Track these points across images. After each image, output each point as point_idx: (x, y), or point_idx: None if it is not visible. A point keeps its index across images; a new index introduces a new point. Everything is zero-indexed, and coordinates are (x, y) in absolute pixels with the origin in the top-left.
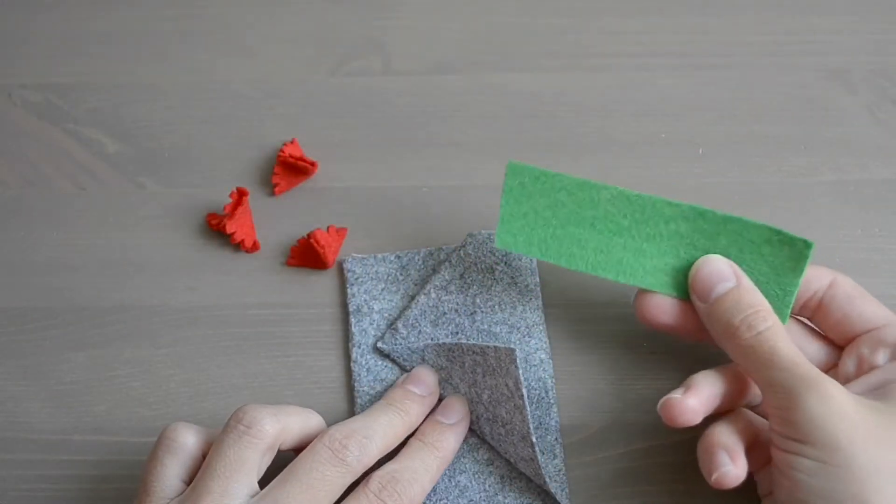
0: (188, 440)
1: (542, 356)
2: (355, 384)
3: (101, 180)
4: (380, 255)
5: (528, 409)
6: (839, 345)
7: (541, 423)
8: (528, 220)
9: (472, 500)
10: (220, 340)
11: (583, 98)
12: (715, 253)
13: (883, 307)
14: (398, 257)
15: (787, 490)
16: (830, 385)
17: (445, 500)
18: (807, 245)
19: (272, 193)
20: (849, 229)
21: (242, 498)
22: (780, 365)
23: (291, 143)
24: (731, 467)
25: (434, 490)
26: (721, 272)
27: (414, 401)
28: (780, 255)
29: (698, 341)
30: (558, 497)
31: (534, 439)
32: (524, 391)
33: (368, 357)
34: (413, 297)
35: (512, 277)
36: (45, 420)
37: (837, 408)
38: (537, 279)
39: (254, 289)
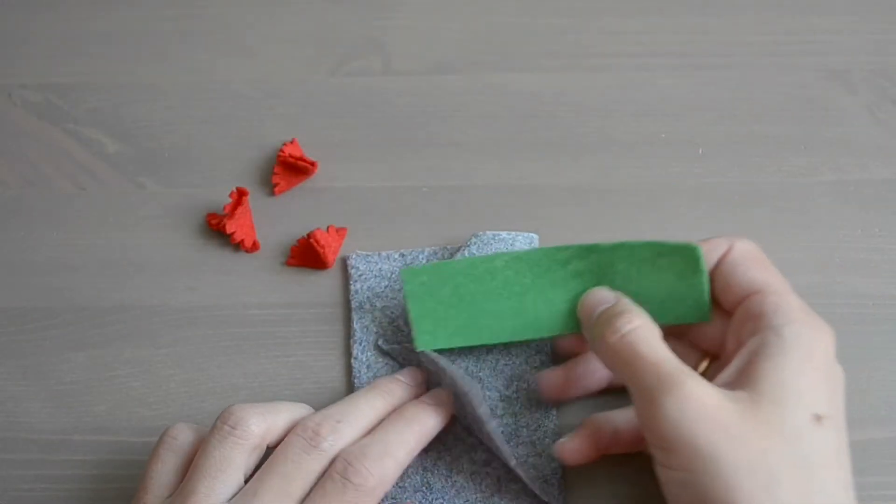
0: (189, 439)
1: (542, 358)
2: (355, 381)
3: (101, 180)
4: (384, 253)
5: (500, 437)
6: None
7: (539, 426)
8: (439, 313)
9: (468, 501)
10: (220, 340)
11: (583, 98)
12: (616, 278)
13: (773, 273)
14: (402, 255)
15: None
16: (691, 384)
17: (441, 500)
18: (691, 248)
19: (272, 193)
20: (849, 229)
21: (226, 496)
22: (641, 367)
23: (291, 142)
24: (569, 441)
25: (430, 488)
26: (603, 297)
27: (399, 386)
28: (677, 262)
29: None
30: (555, 501)
31: (513, 462)
32: (488, 427)
33: (369, 354)
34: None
35: None
36: (45, 420)
37: (695, 409)
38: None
39: (254, 289)
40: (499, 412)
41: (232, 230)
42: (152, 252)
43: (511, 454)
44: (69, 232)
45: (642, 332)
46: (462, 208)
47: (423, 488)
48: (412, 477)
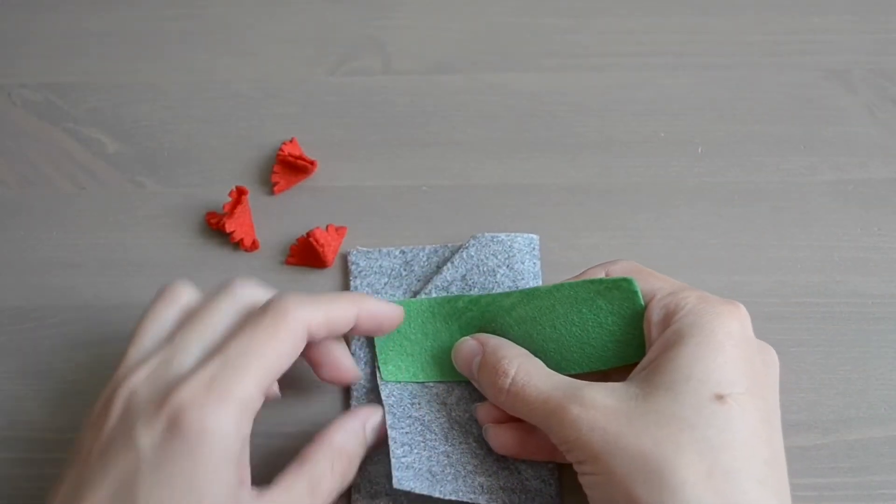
0: (189, 296)
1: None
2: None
3: (101, 180)
4: (384, 250)
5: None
6: None
7: None
8: (405, 348)
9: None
10: None
11: (582, 98)
12: (557, 322)
13: (659, 278)
14: (402, 252)
15: None
16: (577, 404)
17: (465, 476)
18: (628, 282)
19: (271, 192)
20: (848, 229)
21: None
22: (533, 410)
23: (291, 142)
24: (501, 431)
25: (451, 461)
26: (469, 349)
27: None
28: (615, 299)
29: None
30: (552, 500)
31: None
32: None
33: (367, 350)
34: (415, 294)
35: (514, 281)
36: (45, 419)
37: (586, 424)
38: (540, 282)
39: None
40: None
41: (231, 229)
42: (152, 251)
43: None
44: (69, 231)
45: (521, 376)
46: (462, 208)
47: (448, 457)
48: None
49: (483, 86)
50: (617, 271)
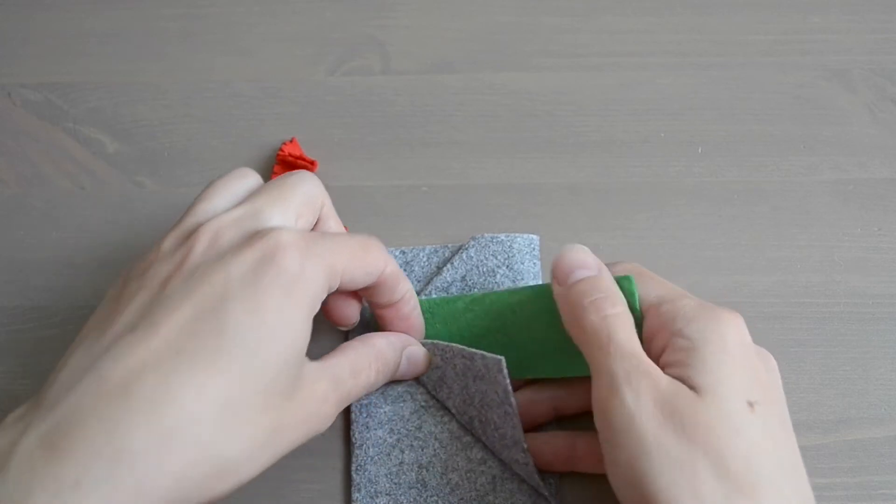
0: (256, 178)
1: None
2: None
3: (101, 179)
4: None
5: (518, 416)
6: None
7: (541, 428)
8: None
9: (462, 499)
10: None
11: (582, 97)
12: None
13: (660, 283)
14: (403, 252)
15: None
16: (647, 380)
17: (436, 498)
18: (627, 280)
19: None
20: (848, 228)
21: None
22: (614, 352)
23: (291, 142)
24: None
25: (425, 485)
26: (583, 260)
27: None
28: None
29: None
30: (551, 501)
31: (525, 445)
32: (513, 400)
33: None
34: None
35: (514, 282)
36: None
37: (645, 406)
38: (539, 283)
39: None
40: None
41: None
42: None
43: (523, 435)
44: (69, 231)
45: (625, 319)
46: (462, 207)
47: (418, 485)
48: (407, 474)
49: (483, 86)
50: (619, 273)
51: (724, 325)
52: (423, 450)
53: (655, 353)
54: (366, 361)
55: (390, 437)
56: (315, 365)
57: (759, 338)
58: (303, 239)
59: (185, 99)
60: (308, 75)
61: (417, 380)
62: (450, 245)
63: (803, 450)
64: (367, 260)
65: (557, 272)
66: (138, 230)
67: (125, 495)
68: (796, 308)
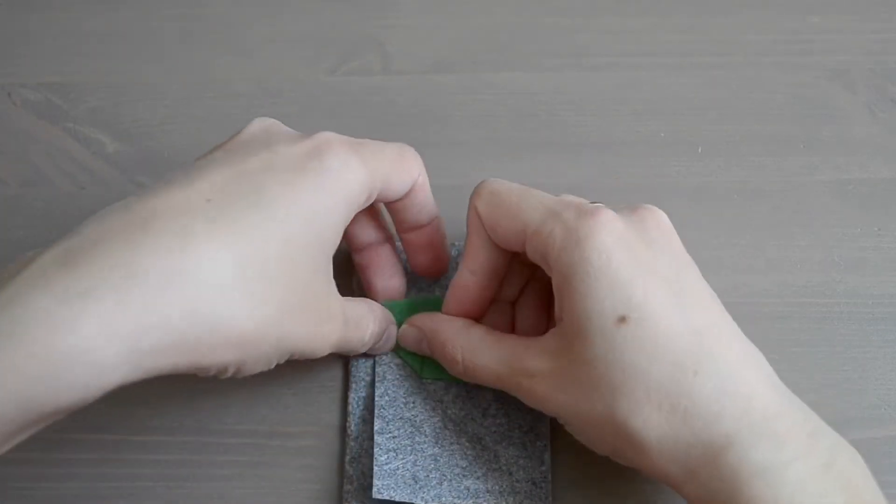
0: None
1: None
2: (352, 368)
3: (101, 179)
4: None
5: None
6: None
7: (532, 428)
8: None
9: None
10: None
11: (582, 97)
12: None
13: (531, 203)
14: (403, 252)
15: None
16: (524, 377)
17: (449, 480)
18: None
19: None
20: (848, 228)
21: None
22: (492, 384)
23: None
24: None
25: (437, 462)
26: (413, 337)
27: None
28: None
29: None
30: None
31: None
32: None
33: (369, 362)
34: (419, 292)
35: None
36: None
37: (540, 394)
38: None
39: None
40: (492, 412)
41: None
42: None
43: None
44: (69, 231)
45: (468, 359)
46: (462, 208)
47: (435, 461)
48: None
49: (483, 86)
50: (480, 206)
51: (589, 243)
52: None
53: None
54: (369, 318)
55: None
56: (335, 289)
57: (759, 338)
58: (349, 141)
59: (185, 99)
60: (308, 75)
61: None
62: (456, 243)
63: None
64: (405, 166)
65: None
66: None
67: (131, 314)
68: (796, 308)
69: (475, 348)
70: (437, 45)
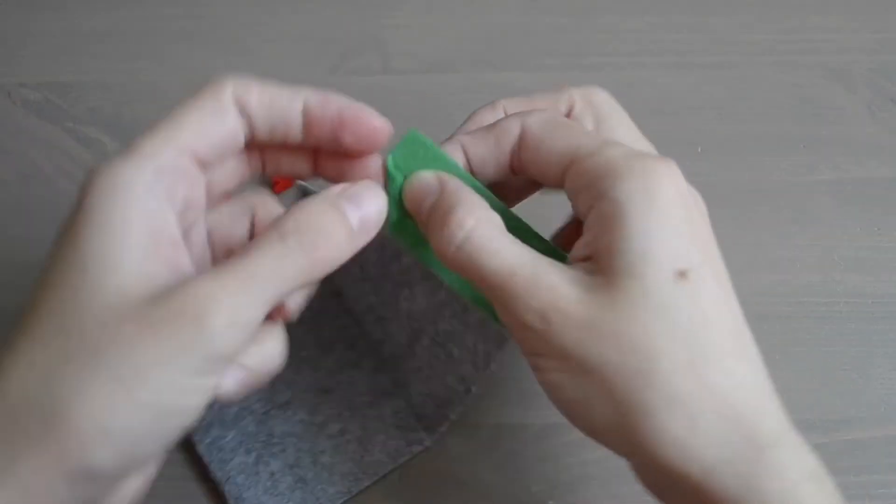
0: None
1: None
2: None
3: None
4: None
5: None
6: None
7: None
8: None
9: (343, 474)
10: None
11: None
12: None
13: (577, 133)
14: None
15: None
16: (548, 288)
17: (320, 486)
18: (406, 144)
19: (272, 192)
20: (848, 228)
21: None
22: (490, 278)
23: None
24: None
25: (304, 481)
26: (425, 186)
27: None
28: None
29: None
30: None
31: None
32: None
33: None
34: None
35: None
36: None
37: (559, 319)
38: None
39: None
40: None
41: None
42: None
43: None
44: None
45: (480, 233)
46: None
47: (299, 485)
48: (283, 480)
49: (483, 86)
50: (533, 126)
51: (656, 178)
52: (284, 452)
53: (579, 211)
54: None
55: (249, 458)
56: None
57: (759, 338)
58: (120, 155)
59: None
60: (308, 74)
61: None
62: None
63: None
64: (221, 115)
65: (413, 213)
66: None
67: None
68: (796, 308)
69: (495, 229)
70: (437, 45)
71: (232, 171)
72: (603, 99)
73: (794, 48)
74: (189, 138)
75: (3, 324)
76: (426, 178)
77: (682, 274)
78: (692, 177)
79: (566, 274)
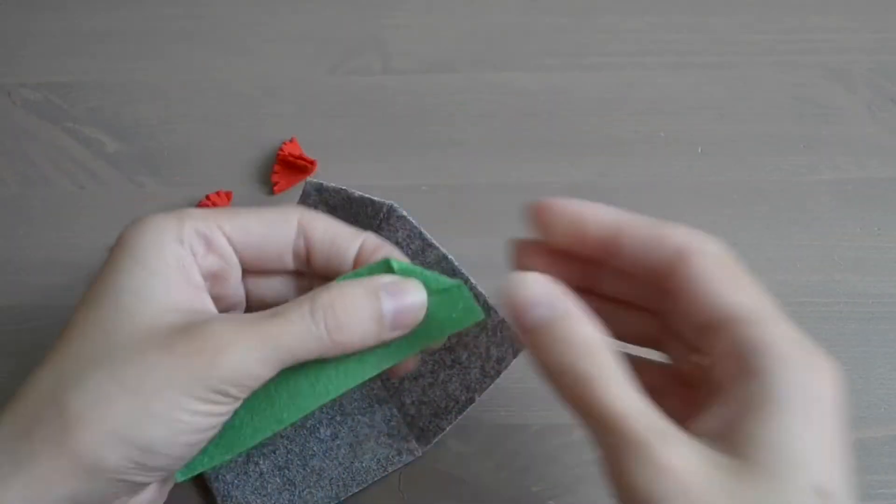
0: None
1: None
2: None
3: (101, 179)
4: None
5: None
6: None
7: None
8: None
9: (331, 479)
10: None
11: (582, 97)
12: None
13: (751, 290)
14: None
15: None
16: (666, 448)
17: (308, 489)
18: (458, 286)
19: (271, 192)
20: (848, 228)
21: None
22: (600, 420)
23: (291, 141)
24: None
25: (293, 484)
26: (537, 297)
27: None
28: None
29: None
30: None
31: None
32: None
33: None
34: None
35: None
36: None
37: (672, 486)
38: None
39: None
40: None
41: None
42: None
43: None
44: (69, 231)
45: (604, 373)
46: (462, 208)
47: (288, 487)
48: (272, 481)
49: (483, 85)
50: (704, 258)
51: (819, 381)
52: (275, 453)
53: (722, 369)
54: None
55: (240, 456)
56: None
57: None
58: (159, 215)
59: (186, 99)
60: (308, 75)
61: None
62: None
63: None
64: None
65: (510, 311)
66: None
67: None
68: (796, 308)
69: (614, 366)
70: (436, 45)
71: (277, 289)
72: (719, 253)
73: (794, 48)
74: (235, 226)
75: (3, 323)
76: (538, 287)
77: (823, 495)
78: (692, 177)
79: (687, 444)
